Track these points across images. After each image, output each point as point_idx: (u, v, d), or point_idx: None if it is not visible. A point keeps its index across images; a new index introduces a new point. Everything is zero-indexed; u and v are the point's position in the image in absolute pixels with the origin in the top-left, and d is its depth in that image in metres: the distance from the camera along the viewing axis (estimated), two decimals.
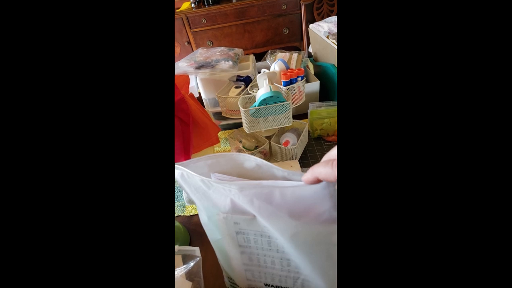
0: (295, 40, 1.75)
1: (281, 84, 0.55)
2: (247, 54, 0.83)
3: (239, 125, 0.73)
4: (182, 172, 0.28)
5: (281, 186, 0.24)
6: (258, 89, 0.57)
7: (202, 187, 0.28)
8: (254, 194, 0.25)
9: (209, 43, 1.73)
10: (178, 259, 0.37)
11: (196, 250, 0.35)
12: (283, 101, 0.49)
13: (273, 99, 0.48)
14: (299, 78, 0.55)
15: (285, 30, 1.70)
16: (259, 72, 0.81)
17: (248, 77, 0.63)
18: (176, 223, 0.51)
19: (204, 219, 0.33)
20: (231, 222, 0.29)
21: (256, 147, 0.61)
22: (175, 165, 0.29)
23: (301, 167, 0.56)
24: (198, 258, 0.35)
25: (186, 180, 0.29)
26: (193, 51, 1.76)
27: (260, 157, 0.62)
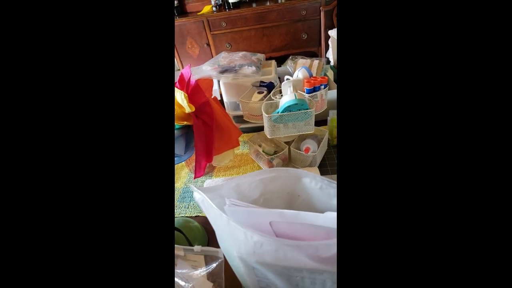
0: (313, 46, 1.75)
1: (304, 92, 0.55)
2: (266, 58, 0.84)
3: (258, 129, 0.74)
4: (202, 199, 0.28)
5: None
6: (281, 95, 0.57)
7: (219, 221, 0.27)
8: (279, 246, 0.23)
9: (228, 46, 1.76)
10: (200, 259, 0.38)
11: (219, 252, 0.36)
12: (307, 109, 0.50)
13: (297, 106, 0.49)
14: (322, 86, 0.56)
15: (303, 35, 1.71)
16: (280, 78, 0.82)
17: (271, 83, 0.63)
18: (195, 223, 0.52)
19: (219, 241, 0.32)
20: (247, 261, 0.27)
21: (275, 152, 0.61)
22: (196, 189, 0.28)
23: (320, 174, 0.57)
24: (221, 260, 0.36)
25: (206, 207, 0.28)
26: (211, 52, 1.79)
27: (279, 163, 0.62)
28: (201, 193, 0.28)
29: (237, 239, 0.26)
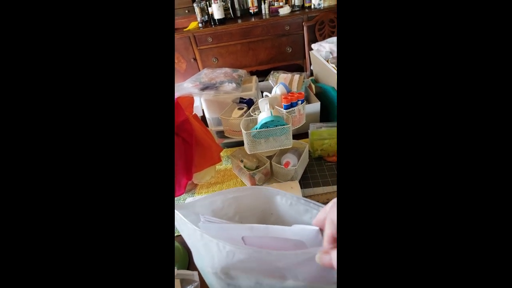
0: (297, 58, 1.80)
1: (282, 107, 0.56)
2: (251, 71, 0.85)
3: (241, 143, 0.74)
4: (175, 216, 0.28)
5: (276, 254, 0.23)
6: (260, 112, 0.59)
7: (193, 237, 0.27)
8: (250, 254, 0.24)
9: (214, 60, 1.79)
10: (176, 282, 0.37)
11: (195, 275, 0.35)
12: (284, 125, 0.51)
13: (274, 122, 0.50)
14: (300, 102, 0.57)
15: (288, 49, 1.76)
16: (262, 92, 0.83)
17: (250, 99, 0.65)
18: (176, 244, 0.51)
19: (195, 259, 0.33)
20: (222, 278, 0.28)
21: (257, 167, 0.62)
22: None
23: (301, 188, 0.57)
24: (197, 283, 0.35)
25: (179, 224, 0.29)
26: (198, 67, 1.82)
27: (261, 177, 0.62)
28: (175, 211, 0.28)
29: (210, 252, 0.26)
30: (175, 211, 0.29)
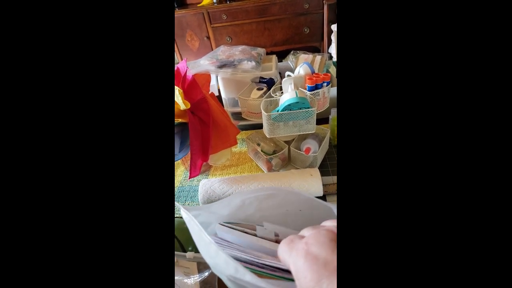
0: (315, 40, 1.71)
1: (305, 89, 0.52)
2: (266, 52, 0.80)
3: (257, 126, 0.71)
4: (189, 220, 0.26)
5: None
6: (282, 92, 0.55)
7: (206, 248, 0.25)
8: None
9: (228, 39, 1.72)
10: (192, 266, 0.36)
11: None
12: (308, 108, 0.47)
13: (299, 105, 0.46)
14: (325, 84, 0.53)
15: (305, 30, 1.66)
16: (280, 73, 0.79)
17: (271, 79, 0.61)
18: None
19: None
20: (236, 282, 0.25)
21: (275, 152, 0.59)
22: (183, 209, 0.27)
23: (321, 175, 0.54)
24: None
25: (191, 227, 0.26)
26: (211, 46, 1.75)
27: (278, 163, 0.60)
28: (188, 214, 0.26)
29: (223, 262, 0.23)
30: (187, 212, 0.26)
